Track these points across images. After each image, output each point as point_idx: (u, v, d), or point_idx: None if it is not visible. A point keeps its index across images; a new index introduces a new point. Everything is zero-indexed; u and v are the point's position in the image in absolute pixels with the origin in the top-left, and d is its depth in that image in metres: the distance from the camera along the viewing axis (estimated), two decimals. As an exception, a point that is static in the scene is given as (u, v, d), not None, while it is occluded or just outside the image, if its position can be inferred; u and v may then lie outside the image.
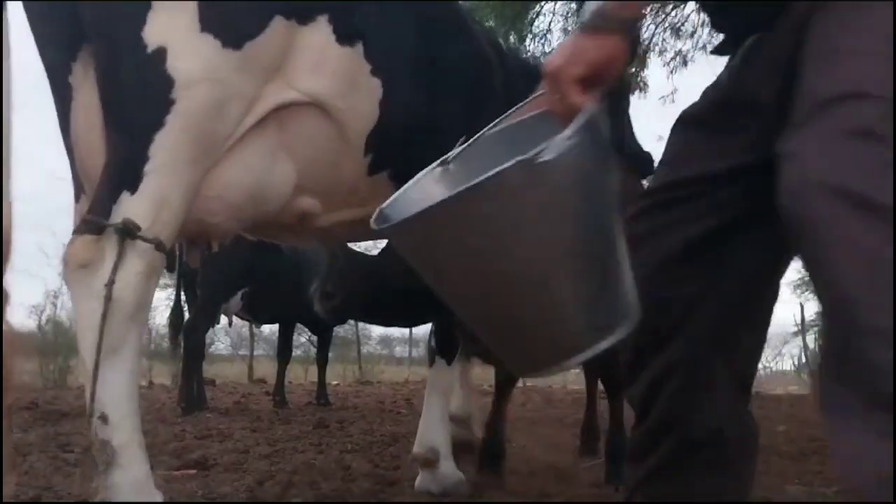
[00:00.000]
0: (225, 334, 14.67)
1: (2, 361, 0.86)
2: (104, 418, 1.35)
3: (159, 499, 1.42)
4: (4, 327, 0.88)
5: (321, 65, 1.56)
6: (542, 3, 6.19)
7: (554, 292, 0.97)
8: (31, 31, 1.51)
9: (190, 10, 1.42)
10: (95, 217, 1.38)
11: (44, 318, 8.92)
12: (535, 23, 6.27)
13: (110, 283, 1.35)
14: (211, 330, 6.25)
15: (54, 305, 8.83)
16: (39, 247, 8.38)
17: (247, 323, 7.50)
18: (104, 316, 1.34)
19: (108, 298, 1.35)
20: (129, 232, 1.36)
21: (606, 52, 0.97)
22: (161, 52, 1.40)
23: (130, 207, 1.38)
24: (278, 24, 1.49)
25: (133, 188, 1.39)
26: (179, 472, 2.45)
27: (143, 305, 1.42)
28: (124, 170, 1.41)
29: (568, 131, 0.89)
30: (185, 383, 4.67)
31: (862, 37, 0.91)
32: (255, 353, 12.31)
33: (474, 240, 0.93)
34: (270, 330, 11.44)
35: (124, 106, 1.42)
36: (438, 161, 1.14)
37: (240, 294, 5.12)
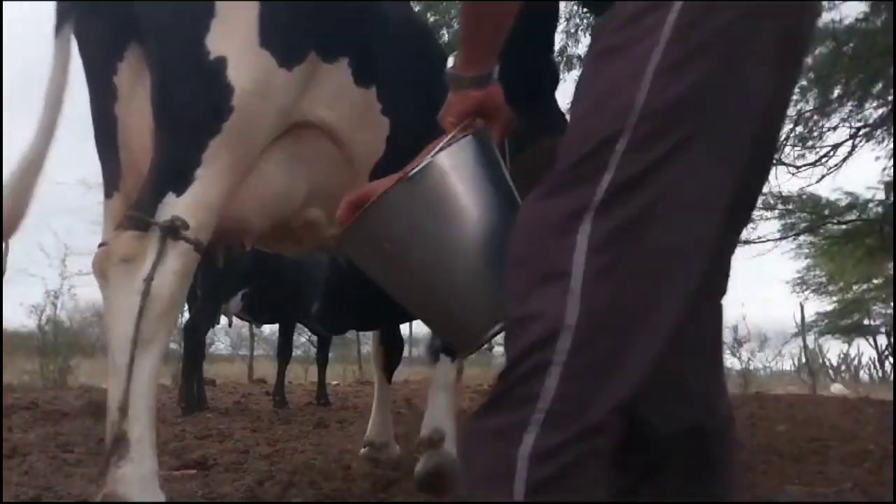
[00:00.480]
0: (225, 334, 14.70)
1: (1, 361, 0.86)
2: (123, 410, 1.38)
3: (162, 498, 1.44)
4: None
5: (338, 100, 1.67)
6: (543, 3, 6.18)
7: (451, 283, 1.16)
8: (75, 29, 1.55)
9: (251, 24, 1.48)
10: (142, 214, 1.43)
11: (44, 318, 8.91)
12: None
13: (149, 280, 1.39)
14: (211, 330, 6.25)
15: (54, 305, 8.82)
16: (40, 247, 8.39)
17: (247, 323, 7.49)
18: (141, 311, 1.38)
19: (146, 294, 1.39)
20: (175, 231, 1.41)
21: (468, 104, 1.18)
22: (222, 61, 1.45)
23: (175, 208, 1.43)
24: (312, 57, 1.58)
25: (180, 190, 1.44)
26: (179, 472, 2.45)
27: (177, 305, 1.47)
28: (173, 171, 1.45)
29: (427, 158, 1.13)
30: (185, 383, 4.67)
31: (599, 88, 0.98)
32: (255, 353, 12.31)
33: (387, 246, 1.17)
34: (270, 330, 11.44)
35: (181, 109, 1.46)
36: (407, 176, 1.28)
37: (240, 294, 5.13)
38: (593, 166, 0.91)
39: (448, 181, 1.14)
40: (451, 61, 2.17)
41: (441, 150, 1.13)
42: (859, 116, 7.07)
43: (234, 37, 1.46)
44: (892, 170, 7.42)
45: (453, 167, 1.14)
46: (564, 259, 0.89)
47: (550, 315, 0.89)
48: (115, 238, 1.45)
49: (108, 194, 1.60)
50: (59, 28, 1.52)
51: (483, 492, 0.92)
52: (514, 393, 0.90)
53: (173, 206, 1.43)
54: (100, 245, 1.56)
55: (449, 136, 1.15)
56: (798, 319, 12.82)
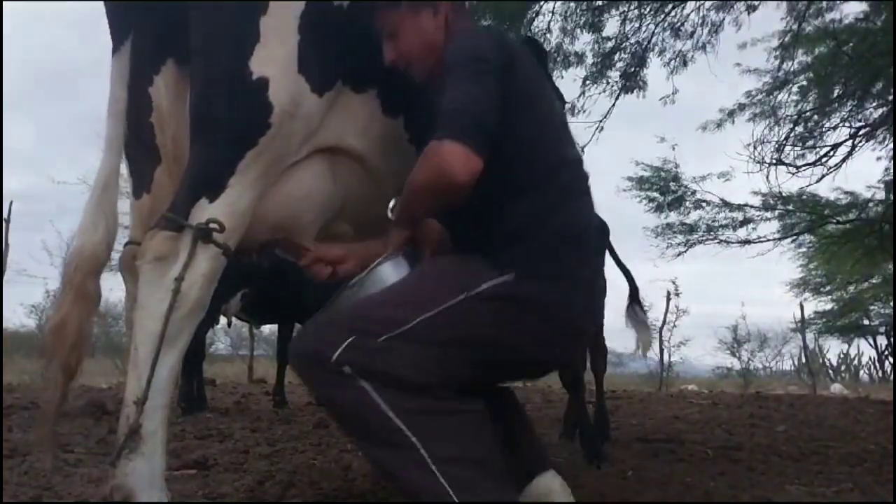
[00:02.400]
0: (225, 334, 14.70)
1: (1, 361, 0.87)
2: (141, 403, 1.42)
3: (166, 498, 1.45)
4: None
5: (367, 129, 1.79)
6: (542, 2, 6.17)
7: None
8: (133, 33, 1.65)
9: (292, 51, 1.58)
10: (178, 217, 1.50)
11: (44, 318, 8.91)
12: (535, 22, 6.25)
13: (180, 279, 1.46)
14: (211, 330, 6.24)
15: (54, 305, 8.80)
16: (41, 246, 8.40)
17: (246, 323, 7.49)
18: (170, 308, 1.44)
19: (177, 292, 1.45)
20: (207, 234, 1.49)
21: (401, 240, 1.59)
22: (264, 82, 1.55)
23: (207, 213, 1.51)
24: (339, 85, 1.70)
25: (213, 196, 1.52)
26: (179, 472, 2.45)
27: (203, 305, 1.53)
28: (208, 178, 1.54)
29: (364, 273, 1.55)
30: (185, 383, 4.67)
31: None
32: (255, 353, 12.30)
33: None
34: (270, 330, 11.44)
35: (223, 122, 1.55)
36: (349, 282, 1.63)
37: (239, 295, 5.12)
38: (374, 328, 1.39)
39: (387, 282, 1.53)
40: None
41: (380, 263, 1.55)
42: (859, 116, 7.07)
43: (275, 61, 1.56)
44: (892, 169, 7.43)
45: (389, 276, 1.54)
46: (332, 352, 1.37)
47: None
48: (150, 237, 1.51)
49: (138, 195, 1.68)
50: (116, 48, 1.63)
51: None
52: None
53: (206, 211, 1.51)
54: (126, 243, 1.66)
55: (386, 254, 1.54)
56: (797, 319, 12.81)
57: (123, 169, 1.73)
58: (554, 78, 3.01)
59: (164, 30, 1.61)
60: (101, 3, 1.67)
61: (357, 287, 1.53)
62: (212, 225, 1.49)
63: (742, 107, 7.58)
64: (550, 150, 1.58)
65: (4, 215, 8.40)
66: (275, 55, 1.56)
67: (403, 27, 1.67)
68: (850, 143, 7.07)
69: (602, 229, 3.43)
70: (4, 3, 1.77)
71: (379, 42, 1.74)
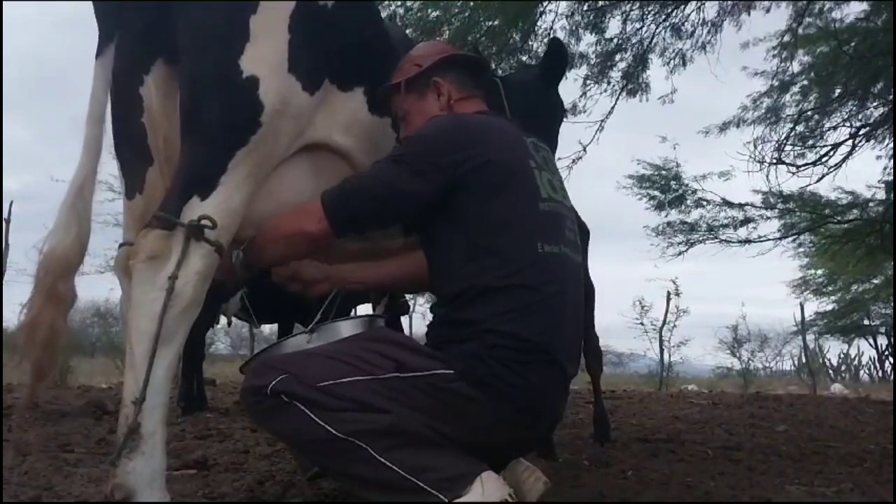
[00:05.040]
0: (225, 334, 14.73)
1: (1, 361, 0.87)
2: (139, 403, 1.42)
3: (167, 498, 1.45)
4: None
5: (353, 126, 1.80)
6: (546, 1, 6.16)
7: None
8: (117, 37, 1.65)
9: (282, 50, 1.59)
10: (170, 215, 1.50)
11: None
12: (539, 21, 6.24)
13: (173, 277, 1.46)
14: (211, 330, 6.23)
15: (54, 305, 8.80)
16: (40, 246, 8.39)
17: (247, 323, 7.48)
18: (164, 307, 1.44)
19: (171, 291, 1.45)
20: (199, 231, 1.49)
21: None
22: (254, 81, 1.56)
23: (199, 211, 1.51)
24: (326, 84, 1.71)
25: (204, 194, 1.53)
26: (179, 472, 2.44)
27: (197, 304, 1.54)
28: (200, 177, 1.54)
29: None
30: (184, 383, 4.66)
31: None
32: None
33: None
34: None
35: (214, 121, 1.55)
36: (308, 328, 1.73)
37: (239, 294, 5.11)
38: (303, 375, 1.51)
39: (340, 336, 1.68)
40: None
41: (343, 319, 1.68)
42: (860, 116, 7.07)
43: (265, 60, 1.57)
44: (892, 169, 7.42)
45: (344, 333, 1.69)
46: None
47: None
48: (143, 236, 1.51)
49: (131, 196, 1.68)
50: (100, 51, 1.62)
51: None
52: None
53: (198, 209, 1.51)
54: (120, 245, 1.66)
55: (357, 315, 1.59)
56: (798, 319, 12.80)
57: (114, 170, 1.73)
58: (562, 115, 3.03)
59: (153, 29, 1.61)
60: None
61: (314, 335, 1.67)
62: (203, 222, 1.48)
63: (745, 109, 7.59)
64: (519, 247, 1.57)
65: (4, 215, 8.41)
66: (265, 54, 1.57)
67: (412, 111, 1.80)
68: (850, 142, 7.07)
69: (583, 231, 3.42)
70: (4, 2, 1.77)
71: (366, 42, 1.79)
